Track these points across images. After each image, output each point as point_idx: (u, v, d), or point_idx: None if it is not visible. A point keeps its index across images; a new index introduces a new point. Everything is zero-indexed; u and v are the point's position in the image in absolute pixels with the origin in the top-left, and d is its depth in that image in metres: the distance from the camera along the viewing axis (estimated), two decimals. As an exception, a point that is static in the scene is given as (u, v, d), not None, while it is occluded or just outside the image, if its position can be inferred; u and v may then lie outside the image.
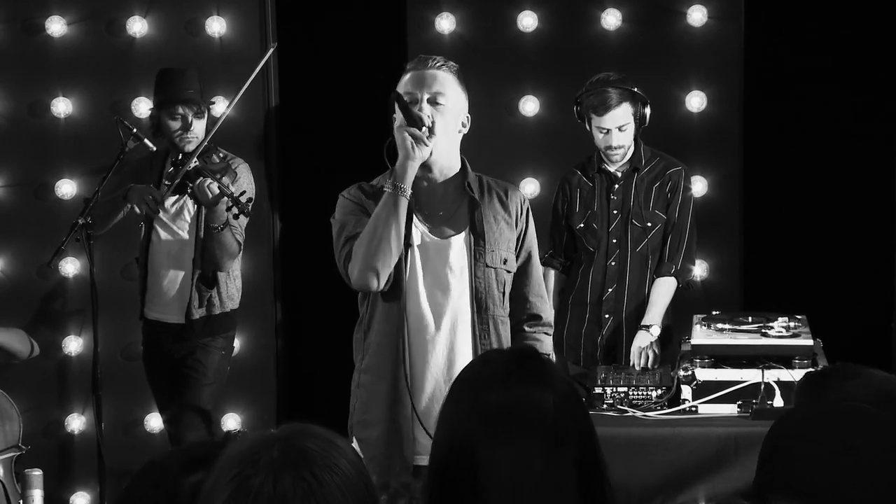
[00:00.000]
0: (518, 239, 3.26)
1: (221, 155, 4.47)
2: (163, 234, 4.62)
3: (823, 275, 5.01)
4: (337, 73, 5.34)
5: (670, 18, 5.05)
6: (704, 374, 3.76)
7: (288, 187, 5.30)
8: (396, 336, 3.11)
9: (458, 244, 3.16)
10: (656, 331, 4.24)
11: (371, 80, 5.25)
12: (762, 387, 3.68)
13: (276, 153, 5.27)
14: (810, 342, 3.79)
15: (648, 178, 4.36)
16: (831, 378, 2.09)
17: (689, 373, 3.78)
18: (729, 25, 5.03)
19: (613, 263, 4.37)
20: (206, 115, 4.55)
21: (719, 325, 3.99)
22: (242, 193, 4.24)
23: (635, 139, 4.34)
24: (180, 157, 4.48)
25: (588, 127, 4.33)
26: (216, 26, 5.24)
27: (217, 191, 4.19)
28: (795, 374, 3.63)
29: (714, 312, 4.18)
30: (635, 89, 4.26)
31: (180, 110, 4.49)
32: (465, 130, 3.18)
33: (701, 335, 3.90)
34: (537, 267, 3.37)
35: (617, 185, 4.37)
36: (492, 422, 1.76)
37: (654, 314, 4.28)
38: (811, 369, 3.59)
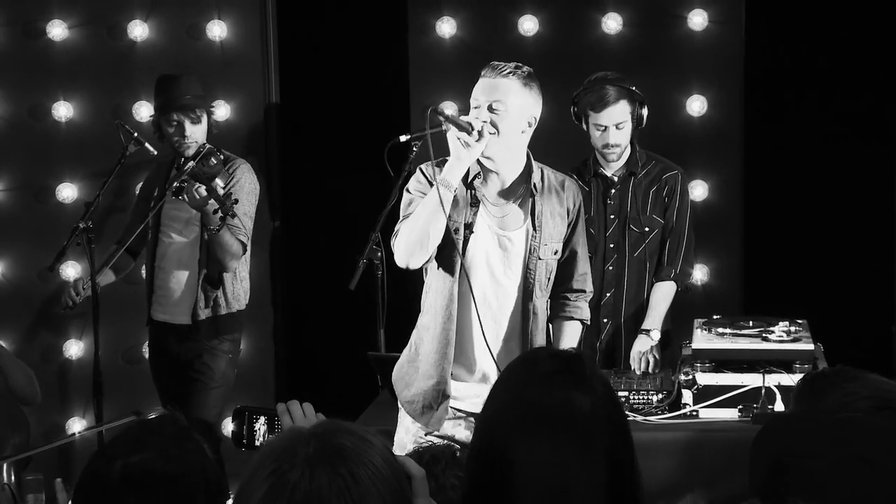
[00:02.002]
0: (569, 227, 3.53)
1: (222, 157, 4.45)
2: (170, 237, 4.63)
3: (824, 279, 5.01)
4: (338, 77, 5.34)
5: (671, 22, 5.07)
6: (705, 379, 3.76)
7: (288, 188, 5.32)
8: (447, 310, 3.38)
9: (518, 237, 3.41)
10: (656, 335, 4.24)
11: (373, 84, 5.33)
12: (763, 391, 3.67)
13: (277, 154, 5.33)
14: (811, 346, 3.78)
15: (645, 182, 4.35)
16: (828, 382, 2.08)
17: (690, 377, 3.77)
18: (729, 29, 5.05)
19: (611, 268, 4.36)
20: (204, 120, 4.55)
21: (720, 330, 3.98)
22: (228, 196, 4.24)
23: (632, 142, 4.33)
24: (182, 161, 4.52)
25: (585, 126, 4.32)
26: (217, 30, 5.26)
27: (204, 193, 4.19)
28: (796, 379, 3.53)
29: (715, 316, 4.17)
30: (633, 88, 4.25)
31: (175, 117, 4.51)
32: (531, 130, 3.38)
33: (702, 339, 3.89)
34: (583, 248, 3.64)
35: (613, 190, 4.35)
36: (529, 422, 1.78)
37: (654, 318, 4.27)
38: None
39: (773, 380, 3.70)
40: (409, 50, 5.23)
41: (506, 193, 3.42)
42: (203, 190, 4.21)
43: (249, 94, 5.21)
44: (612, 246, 4.36)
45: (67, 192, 5.22)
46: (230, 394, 4.72)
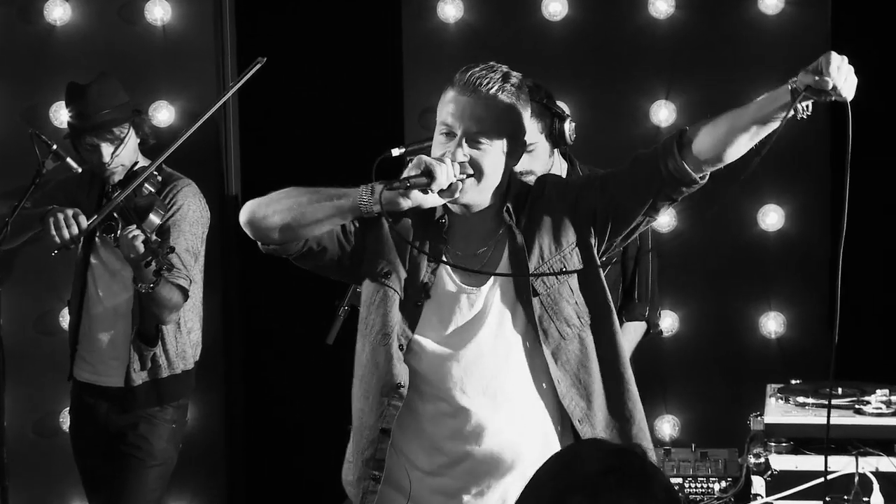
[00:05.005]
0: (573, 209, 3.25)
1: (159, 178, 4.49)
2: (102, 271, 4.67)
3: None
4: (313, 72, 5.37)
5: (737, 3, 5.12)
6: (781, 462, 3.77)
7: None
8: (381, 395, 3.20)
9: (495, 291, 3.21)
10: None
11: (357, 81, 5.35)
12: (856, 479, 3.70)
13: (235, 169, 5.39)
14: (918, 421, 3.81)
15: None
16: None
17: (762, 460, 3.78)
18: (812, 13, 5.11)
19: None
20: (129, 136, 4.58)
21: (800, 399, 4.00)
22: (162, 243, 4.26)
23: (568, 157, 4.34)
24: (111, 188, 4.55)
25: None
26: (158, 12, 5.30)
27: (141, 248, 4.21)
28: (899, 463, 3.67)
29: (793, 381, 4.20)
30: (544, 101, 4.21)
31: (88, 140, 4.54)
32: (519, 161, 3.24)
33: (776, 411, 3.91)
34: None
35: None
36: None
37: None
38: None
39: (869, 464, 3.71)
40: (404, 38, 5.26)
41: (478, 235, 3.25)
42: (140, 241, 4.22)
43: (200, 94, 5.25)
44: None
45: (-34, 216, 5.24)
46: (172, 475, 4.71)
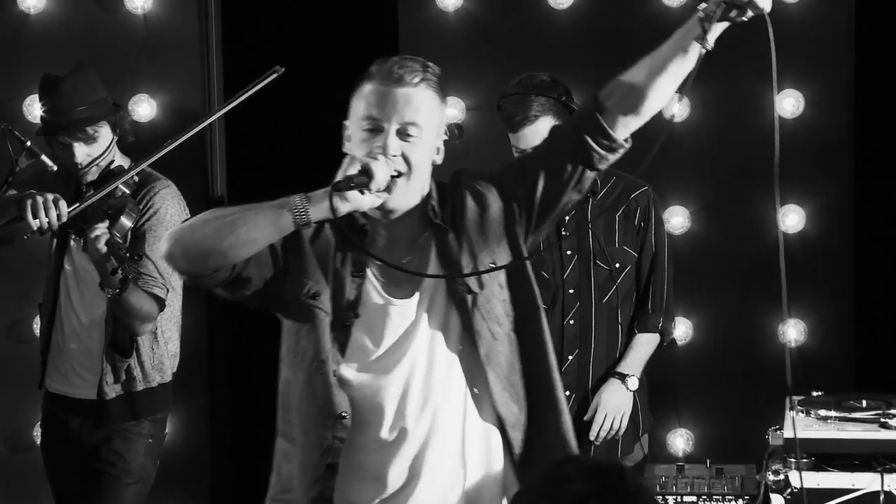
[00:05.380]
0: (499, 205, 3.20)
1: (136, 179, 4.46)
2: (75, 277, 4.62)
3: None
4: (302, 64, 5.19)
5: (755, -9, 5.07)
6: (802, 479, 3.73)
7: None
8: (323, 429, 3.13)
9: (425, 299, 3.15)
10: (634, 383, 4.33)
11: (351, 74, 5.22)
12: (882, 497, 3.69)
13: (221, 168, 5.38)
14: (947, 436, 3.82)
15: (608, 204, 4.42)
16: None
17: (782, 477, 3.76)
18: (835, 2, 5.12)
19: (572, 322, 4.41)
20: (104, 134, 4.53)
21: (822, 412, 3.98)
22: (131, 250, 4.22)
23: None
24: (85, 187, 4.53)
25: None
26: (139, 0, 5.29)
27: (105, 249, 4.16)
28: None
29: (815, 393, 4.17)
30: (563, 99, 4.29)
31: (61, 138, 4.51)
32: (440, 158, 3.18)
33: (797, 425, 3.88)
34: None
35: (567, 218, 4.40)
36: None
37: (634, 361, 4.37)
38: None
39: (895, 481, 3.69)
40: (400, 27, 5.24)
41: (404, 240, 3.19)
42: (102, 243, 4.17)
43: (183, 87, 5.25)
44: (571, 292, 4.40)
45: (-65, 218, 5.24)
46: (151, 491, 4.68)
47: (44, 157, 4.48)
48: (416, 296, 3.12)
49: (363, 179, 2.99)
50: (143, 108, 5.23)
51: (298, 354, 3.15)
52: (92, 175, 4.52)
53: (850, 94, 5.10)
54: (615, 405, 4.31)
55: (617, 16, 5.17)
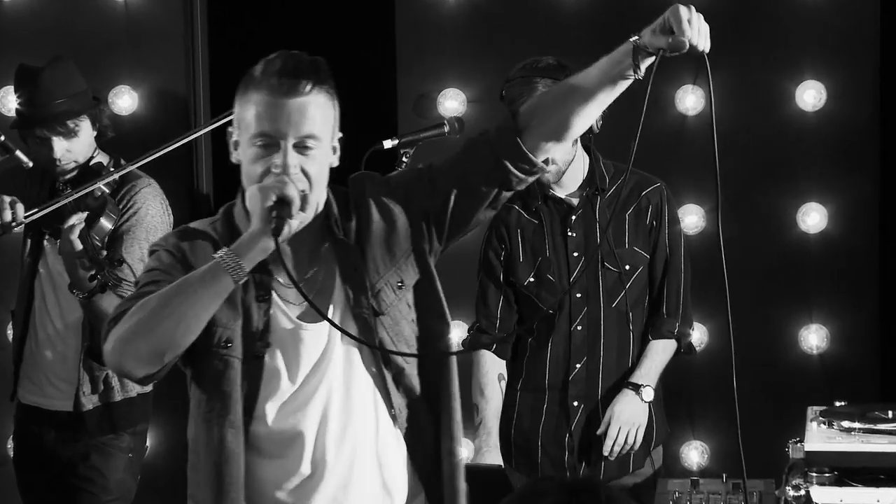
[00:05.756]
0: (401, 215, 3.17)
1: (116, 177, 4.42)
2: (50, 282, 4.60)
3: None
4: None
5: (779, -26, 5.18)
6: (824, 495, 3.66)
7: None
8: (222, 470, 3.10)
9: (335, 318, 3.10)
10: (649, 394, 4.32)
11: (345, 64, 5.16)
12: None
13: (207, 165, 5.37)
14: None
15: (617, 202, 4.38)
16: None
17: (802, 493, 3.68)
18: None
19: (580, 328, 4.37)
20: (84, 128, 4.51)
21: (845, 423, 3.89)
22: (107, 256, 4.17)
23: (588, 149, 4.39)
24: (62, 184, 4.53)
25: None
26: (121, -15, 5.34)
27: (79, 244, 4.12)
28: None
29: (838, 403, 4.09)
30: None
31: (38, 132, 4.48)
32: (336, 158, 3.14)
33: (818, 437, 3.82)
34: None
35: (574, 217, 4.38)
36: None
37: (648, 370, 4.36)
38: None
39: (925, 497, 3.68)
40: (397, 16, 5.25)
41: (305, 256, 3.15)
42: (76, 232, 4.13)
43: (166, 78, 5.25)
44: (579, 296, 4.38)
45: None
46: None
47: (18, 153, 4.48)
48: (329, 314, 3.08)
49: (286, 210, 2.95)
50: (124, 101, 5.23)
51: (208, 407, 3.09)
52: (70, 172, 4.48)
53: (875, 85, 5.08)
54: (629, 418, 4.28)
55: (625, 3, 5.12)
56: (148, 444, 4.80)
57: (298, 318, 3.08)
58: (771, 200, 5.16)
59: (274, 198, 2.93)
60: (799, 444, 3.85)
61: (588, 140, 4.34)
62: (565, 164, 4.32)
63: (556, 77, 4.21)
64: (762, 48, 5.03)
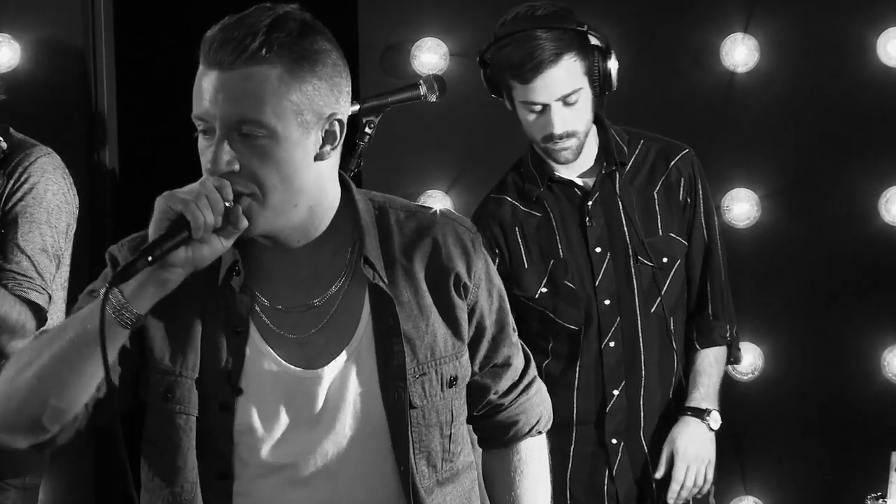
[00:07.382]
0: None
1: (4, 146, 4.44)
2: None
3: None
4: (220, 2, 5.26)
5: None
6: None
7: (133, 192, 5.35)
8: None
9: (349, 370, 2.98)
10: (716, 419, 4.27)
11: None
12: None
13: (111, 133, 5.38)
14: None
15: (642, 177, 4.34)
16: None
17: None
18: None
19: (613, 344, 4.29)
20: None
21: None
22: None
23: (599, 120, 4.33)
24: None
25: (509, 104, 4.30)
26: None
27: None
28: None
29: None
30: (584, 27, 4.20)
31: None
32: (338, 145, 2.92)
33: None
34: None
35: (590, 203, 4.28)
36: None
37: (708, 388, 4.32)
38: None
39: None
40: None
41: (308, 282, 2.99)
42: None
43: (58, 26, 5.25)
44: (608, 303, 4.31)
45: None
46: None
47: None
48: (336, 364, 2.94)
49: (182, 235, 2.75)
50: (4, 53, 5.24)
51: (161, 478, 2.98)
52: None
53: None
54: (697, 452, 4.24)
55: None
56: (40, 497, 4.76)
57: (289, 361, 2.93)
58: (845, 184, 5.13)
59: (170, 214, 2.75)
60: (881, 501, 3.86)
61: (599, 105, 4.30)
62: (585, 135, 4.25)
63: (566, 24, 4.19)
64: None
